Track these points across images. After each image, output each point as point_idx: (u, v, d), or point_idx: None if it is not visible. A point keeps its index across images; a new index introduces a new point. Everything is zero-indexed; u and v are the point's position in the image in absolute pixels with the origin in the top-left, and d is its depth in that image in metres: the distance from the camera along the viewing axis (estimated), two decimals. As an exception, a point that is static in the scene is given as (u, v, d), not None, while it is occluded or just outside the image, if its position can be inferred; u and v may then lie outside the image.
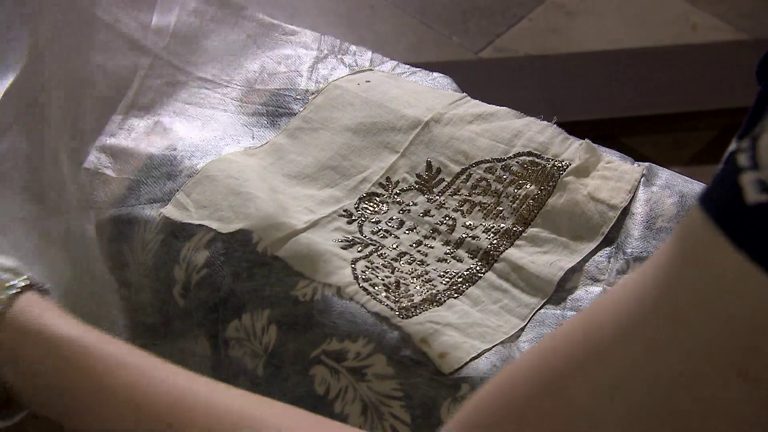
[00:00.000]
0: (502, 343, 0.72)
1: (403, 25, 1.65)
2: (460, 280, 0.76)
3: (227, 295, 0.76)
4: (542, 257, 0.77)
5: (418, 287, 0.75)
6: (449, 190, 0.83)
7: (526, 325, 0.74)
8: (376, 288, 0.74)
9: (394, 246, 0.79)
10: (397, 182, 0.84)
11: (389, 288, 0.74)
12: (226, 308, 0.76)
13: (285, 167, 0.86)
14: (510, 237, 0.79)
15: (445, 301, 0.74)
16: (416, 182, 0.84)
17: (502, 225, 0.80)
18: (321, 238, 0.78)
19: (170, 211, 0.81)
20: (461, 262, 0.78)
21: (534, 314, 0.74)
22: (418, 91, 0.92)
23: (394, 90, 0.92)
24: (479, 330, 0.72)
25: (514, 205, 0.81)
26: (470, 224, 0.81)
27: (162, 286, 0.80)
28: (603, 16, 1.70)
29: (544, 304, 0.75)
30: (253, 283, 0.76)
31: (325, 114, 0.90)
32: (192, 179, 0.83)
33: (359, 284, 0.74)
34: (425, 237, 0.80)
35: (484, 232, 0.80)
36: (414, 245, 0.80)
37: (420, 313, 0.72)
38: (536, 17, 1.69)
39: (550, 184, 0.82)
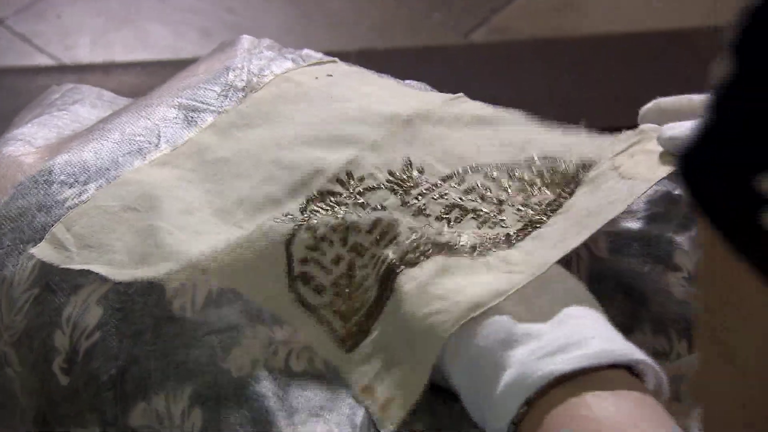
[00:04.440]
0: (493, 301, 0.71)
1: (365, -1, 1.65)
2: (429, 245, 0.77)
3: (126, 364, 0.76)
4: (544, 242, 0.78)
5: (377, 268, 0.77)
6: (433, 193, 0.83)
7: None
8: (322, 295, 0.77)
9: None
10: (362, 178, 0.84)
11: (338, 283, 0.77)
12: (127, 382, 0.76)
13: (210, 170, 0.86)
14: (509, 240, 0.79)
15: (398, 274, 0.76)
16: (388, 180, 0.84)
17: (502, 232, 0.80)
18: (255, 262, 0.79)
19: (44, 250, 0.80)
20: (440, 234, 0.79)
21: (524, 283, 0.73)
22: (396, 89, 0.94)
23: (366, 87, 0.93)
24: (439, 316, 0.72)
25: (522, 213, 0.81)
26: (457, 232, 0.80)
27: (37, 358, 0.79)
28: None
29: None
30: (162, 346, 0.76)
31: (269, 109, 0.90)
32: (76, 210, 0.82)
33: (295, 290, 0.77)
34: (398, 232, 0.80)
35: (468, 236, 0.80)
36: (379, 239, 0.80)
37: (373, 324, 0.75)
38: (542, -11, 1.70)
39: (571, 186, 0.82)
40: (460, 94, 0.92)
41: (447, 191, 0.83)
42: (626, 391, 0.66)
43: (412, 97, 0.92)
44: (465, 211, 0.82)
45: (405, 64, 1.43)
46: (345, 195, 0.83)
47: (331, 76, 0.93)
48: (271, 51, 0.98)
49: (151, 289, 0.77)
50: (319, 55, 0.99)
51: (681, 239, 0.81)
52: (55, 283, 0.79)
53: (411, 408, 0.72)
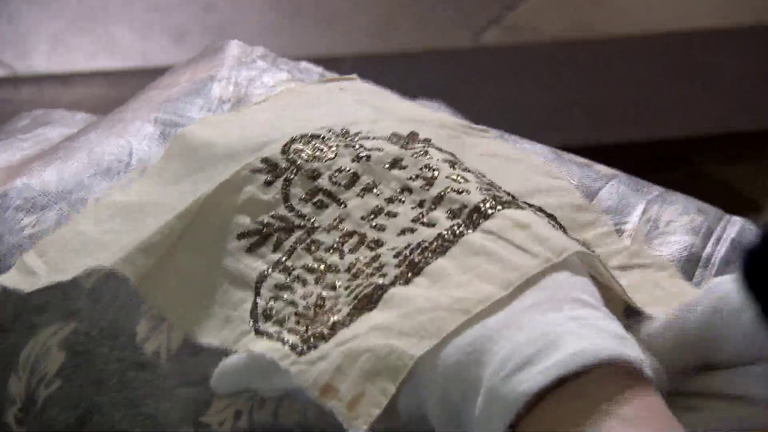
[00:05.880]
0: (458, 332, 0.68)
1: (363, -5, 1.65)
2: (423, 253, 0.74)
3: (87, 413, 0.77)
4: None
5: (354, 293, 0.74)
6: (438, 149, 0.83)
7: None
8: (283, 325, 0.74)
9: (335, 223, 0.78)
10: (357, 133, 0.84)
11: (304, 314, 0.75)
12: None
13: (197, 157, 0.86)
14: (517, 203, 0.77)
15: (382, 295, 0.73)
16: (389, 138, 0.83)
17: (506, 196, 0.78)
18: (218, 233, 0.79)
19: (11, 279, 0.81)
20: (433, 226, 0.76)
21: (525, 281, 0.70)
22: (412, 106, 0.94)
23: (378, 99, 0.93)
24: (420, 320, 0.70)
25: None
26: (460, 177, 0.79)
27: (-13, 407, 0.79)
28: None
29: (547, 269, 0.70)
30: (128, 394, 0.77)
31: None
32: (52, 236, 0.83)
33: (256, 327, 0.75)
34: (388, 200, 0.79)
35: (479, 188, 0.78)
36: (369, 217, 0.78)
37: (334, 335, 0.72)
38: (564, -17, 1.70)
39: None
40: (484, 127, 0.92)
41: (453, 158, 0.83)
42: (629, 397, 0.63)
43: (431, 115, 0.92)
44: (468, 170, 0.81)
45: (408, 68, 1.43)
46: (337, 139, 0.83)
47: (343, 90, 0.94)
48: (264, 61, 0.98)
49: (120, 330, 0.78)
50: (319, 69, 0.99)
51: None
52: (9, 322, 0.80)
53: (385, 403, 0.68)
